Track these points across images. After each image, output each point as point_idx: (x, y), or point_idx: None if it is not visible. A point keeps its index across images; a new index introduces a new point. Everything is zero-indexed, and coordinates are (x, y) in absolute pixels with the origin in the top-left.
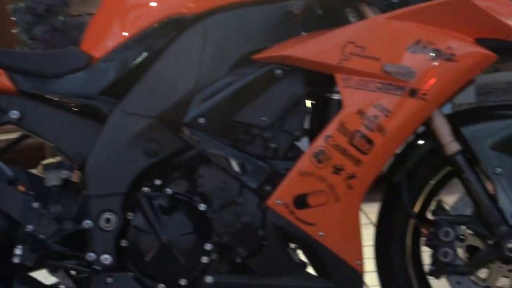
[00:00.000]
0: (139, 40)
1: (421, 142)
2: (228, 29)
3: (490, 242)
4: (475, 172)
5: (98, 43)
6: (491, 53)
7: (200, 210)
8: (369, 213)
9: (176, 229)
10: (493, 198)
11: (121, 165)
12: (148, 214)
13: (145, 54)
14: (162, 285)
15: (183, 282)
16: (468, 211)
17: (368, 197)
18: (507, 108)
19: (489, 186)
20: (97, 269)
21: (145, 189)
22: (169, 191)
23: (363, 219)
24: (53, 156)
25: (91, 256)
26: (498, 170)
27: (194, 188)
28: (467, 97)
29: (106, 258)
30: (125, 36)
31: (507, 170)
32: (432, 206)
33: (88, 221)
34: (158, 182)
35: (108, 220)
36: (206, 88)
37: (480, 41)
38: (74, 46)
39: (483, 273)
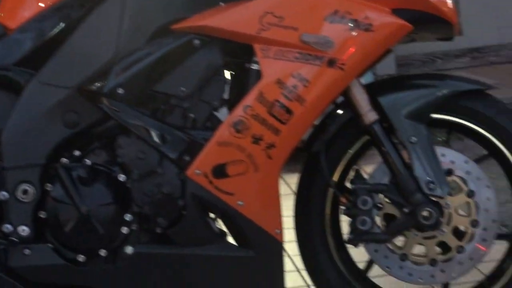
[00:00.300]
0: (56, 10)
1: (340, 112)
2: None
3: (405, 210)
4: (392, 141)
5: (14, 14)
6: (407, 24)
7: (120, 181)
8: (291, 183)
9: (95, 199)
10: (408, 167)
11: (39, 136)
12: (67, 185)
13: (62, 25)
14: (81, 256)
15: (102, 252)
16: (386, 179)
17: (290, 167)
18: (423, 78)
19: (405, 155)
20: (14, 240)
21: (64, 160)
22: (88, 162)
23: (284, 189)
24: None
25: (7, 227)
26: (413, 139)
27: (113, 158)
28: (388, 69)
29: (24, 230)
30: (41, 6)
31: (422, 139)
32: (351, 175)
33: (4, 193)
34: (77, 153)
35: (25, 192)
36: (125, 58)
37: (396, 12)
38: None
39: (399, 241)
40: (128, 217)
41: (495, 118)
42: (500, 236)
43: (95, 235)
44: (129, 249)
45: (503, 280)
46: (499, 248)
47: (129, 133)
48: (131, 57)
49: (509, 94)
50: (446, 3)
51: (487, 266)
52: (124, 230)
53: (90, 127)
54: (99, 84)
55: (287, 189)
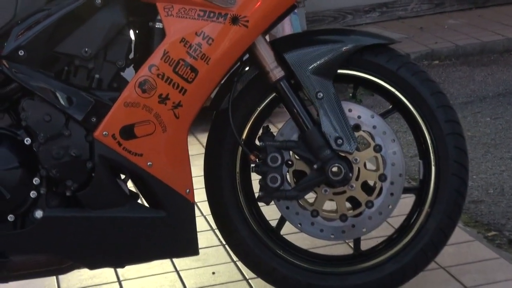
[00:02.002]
0: None
1: (246, 69)
2: None
3: (315, 166)
4: (299, 97)
5: None
6: None
7: (25, 144)
8: (204, 142)
9: (0, 164)
10: (316, 123)
11: None
12: None
13: None
14: None
15: (10, 217)
16: (295, 136)
17: (203, 126)
18: (329, 34)
19: (313, 111)
20: None
21: None
22: None
23: (198, 149)
24: None
25: None
26: (320, 95)
27: (17, 122)
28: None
29: None
30: None
31: (329, 95)
32: (260, 133)
33: None
34: None
35: None
36: (25, 20)
37: None
38: None
39: (310, 197)
40: (36, 180)
41: (397, 72)
42: (407, 190)
43: (1, 200)
44: (38, 213)
45: (412, 232)
46: (407, 202)
47: (33, 96)
48: (31, 18)
49: (415, 48)
50: None
51: (396, 220)
52: (32, 194)
53: None
54: None
55: (201, 148)
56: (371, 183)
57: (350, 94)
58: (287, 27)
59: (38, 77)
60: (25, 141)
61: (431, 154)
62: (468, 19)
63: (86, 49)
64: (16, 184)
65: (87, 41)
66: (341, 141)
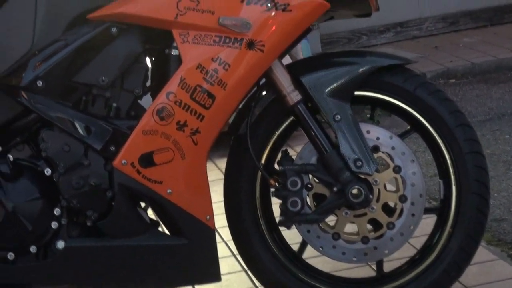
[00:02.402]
0: None
1: (263, 93)
2: None
3: (335, 189)
4: (317, 120)
5: None
6: (324, 2)
7: (45, 175)
8: (223, 168)
9: (21, 195)
10: (335, 146)
11: None
12: None
13: None
14: (11, 253)
15: (32, 249)
16: (314, 159)
17: (221, 152)
18: (344, 56)
19: (331, 134)
20: None
21: None
22: (11, 157)
23: (217, 174)
24: None
25: None
26: (338, 117)
27: (37, 152)
28: (314, 48)
29: None
30: None
31: (346, 117)
32: (279, 157)
33: None
34: None
35: None
36: (43, 50)
37: None
38: None
39: (331, 220)
40: (56, 211)
41: (414, 92)
42: (428, 210)
43: (23, 232)
44: (60, 244)
45: (435, 253)
46: (429, 222)
47: (52, 126)
48: (48, 49)
49: (431, 67)
50: None
51: (419, 240)
52: (54, 224)
53: (11, 122)
54: (17, 78)
55: (219, 174)
56: (391, 204)
57: (368, 116)
58: (300, 52)
59: (57, 107)
60: (45, 172)
61: (451, 174)
62: (483, 36)
63: (103, 78)
64: (37, 215)
65: (104, 70)
66: (360, 163)
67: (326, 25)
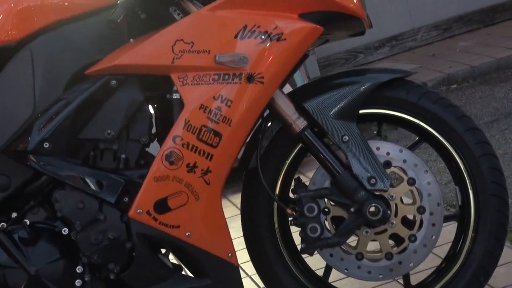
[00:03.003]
0: None
1: (269, 124)
2: (54, 49)
3: (352, 209)
4: (325, 144)
5: None
6: (317, 26)
7: (63, 234)
8: (238, 203)
9: (42, 258)
10: (347, 167)
11: None
12: (10, 249)
13: None
14: None
15: None
16: (327, 183)
17: (234, 188)
18: (344, 76)
19: (342, 155)
20: None
21: (2, 224)
22: (27, 221)
23: (233, 210)
24: None
25: None
26: (346, 138)
27: (53, 213)
28: (312, 72)
29: None
30: None
31: (354, 136)
32: (293, 185)
33: None
34: (14, 214)
35: None
36: (45, 112)
37: (304, 16)
38: None
39: (353, 241)
40: (79, 269)
41: (418, 103)
42: (448, 218)
43: None
44: None
45: (460, 259)
46: (450, 229)
47: (64, 186)
48: (51, 110)
49: (431, 75)
50: None
51: (442, 249)
52: (77, 282)
53: (23, 186)
54: (23, 142)
55: (235, 209)
56: (410, 217)
57: (375, 132)
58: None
59: (66, 166)
60: (62, 232)
61: (466, 179)
62: (478, 38)
63: (109, 131)
64: (60, 276)
65: (109, 123)
66: (374, 180)
67: (322, 48)
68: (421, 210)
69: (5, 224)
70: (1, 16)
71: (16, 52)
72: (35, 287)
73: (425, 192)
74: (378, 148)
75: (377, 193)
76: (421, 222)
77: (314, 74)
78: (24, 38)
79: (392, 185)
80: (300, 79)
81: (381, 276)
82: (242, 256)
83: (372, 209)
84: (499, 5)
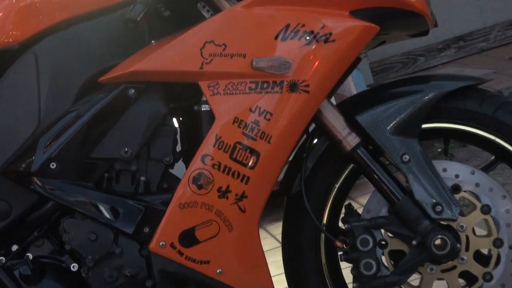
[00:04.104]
0: None
1: (315, 141)
2: (63, 52)
3: (414, 242)
4: (382, 164)
5: None
6: (371, 25)
7: (73, 271)
8: (278, 234)
9: None
10: (407, 191)
11: None
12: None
13: None
14: None
15: None
16: (384, 211)
17: (272, 216)
18: (403, 84)
19: (401, 178)
20: None
21: (0, 258)
22: (30, 255)
23: (272, 243)
24: None
25: None
26: (406, 157)
27: (60, 246)
28: (364, 79)
29: None
30: None
31: (416, 155)
32: (343, 213)
33: None
34: (15, 247)
35: None
36: (51, 127)
37: (357, 13)
38: None
39: (415, 279)
40: None
41: (494, 116)
42: None
43: None
44: None
45: None
46: None
47: (74, 213)
48: (58, 124)
49: (507, 82)
50: None
51: None
52: None
53: (25, 214)
54: (27, 162)
55: (274, 242)
56: (485, 251)
57: (440, 150)
58: (351, 86)
59: (76, 191)
60: (71, 268)
61: None
62: None
63: (126, 150)
64: None
65: (126, 140)
66: (440, 207)
67: (375, 51)
68: (498, 243)
69: (4, 258)
70: (1, 14)
71: (19, 56)
72: None
73: (503, 222)
74: (445, 170)
75: (444, 222)
76: (498, 257)
77: (367, 81)
78: (28, 39)
79: (462, 214)
80: (361, 84)
81: None
82: None
83: (438, 241)
84: None
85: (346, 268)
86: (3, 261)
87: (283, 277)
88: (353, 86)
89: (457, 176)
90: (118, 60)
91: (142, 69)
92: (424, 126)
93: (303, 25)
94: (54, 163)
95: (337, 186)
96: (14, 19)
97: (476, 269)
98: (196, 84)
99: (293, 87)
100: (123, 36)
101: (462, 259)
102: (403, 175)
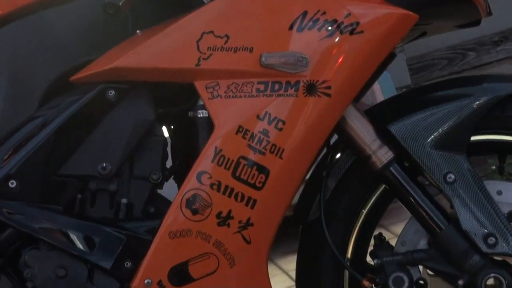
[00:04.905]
0: None
1: (337, 156)
2: (25, 44)
3: (461, 282)
4: (420, 185)
5: None
6: (409, 12)
7: None
8: (291, 270)
9: None
10: (452, 219)
11: None
12: None
13: None
14: None
15: None
16: (423, 243)
17: (285, 248)
18: (447, 87)
19: (444, 202)
20: None
21: None
22: None
23: (285, 281)
24: None
25: None
26: (451, 176)
27: (21, 284)
28: (400, 79)
29: None
30: None
31: (464, 174)
32: (372, 245)
33: None
34: None
35: None
36: (11, 136)
37: None
38: None
39: None
40: None
41: None
42: None
43: None
44: None
45: None
46: None
47: (38, 243)
48: (18, 133)
49: None
50: None
51: None
52: None
53: None
54: None
55: (287, 279)
56: None
57: (493, 167)
58: (377, 91)
59: (41, 215)
60: None
61: None
62: None
63: (104, 165)
64: None
65: (104, 154)
66: (493, 239)
67: (415, 44)
68: None
69: None
70: None
71: None
72: None
73: None
74: (499, 192)
75: (498, 258)
76: None
77: (404, 82)
78: None
79: None
80: (390, 88)
81: None
82: None
83: (491, 281)
84: None
85: None
86: None
87: None
88: (379, 92)
89: None
90: (94, 55)
91: (124, 65)
92: (473, 138)
93: (324, 13)
94: (13, 181)
95: (364, 212)
96: None
97: None
98: (191, 84)
99: (311, 89)
100: (101, 25)
101: None
102: (447, 199)
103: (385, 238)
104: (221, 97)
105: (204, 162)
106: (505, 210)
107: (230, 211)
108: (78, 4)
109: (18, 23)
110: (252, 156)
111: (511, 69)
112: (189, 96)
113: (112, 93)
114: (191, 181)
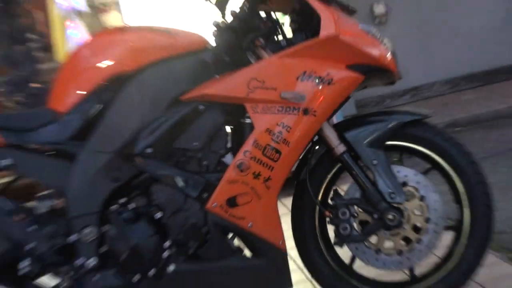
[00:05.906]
0: (94, 95)
1: (317, 147)
2: (158, 79)
3: (375, 216)
4: (359, 165)
5: (61, 101)
6: (359, 75)
7: (157, 218)
8: (288, 204)
9: (141, 234)
10: (373, 183)
11: (94, 191)
12: (118, 225)
13: (99, 106)
14: (137, 275)
15: (151, 272)
16: (358, 194)
17: (287, 192)
18: (376, 115)
19: (370, 175)
20: (85, 270)
21: (114, 206)
22: (132, 206)
23: (284, 210)
24: (44, 190)
25: (79, 261)
26: (375, 162)
27: (150, 202)
28: (350, 110)
29: (91, 262)
30: (82, 93)
31: (381, 161)
32: (331, 194)
33: (73, 236)
34: (123, 200)
35: (88, 233)
36: (149, 125)
37: (350, 67)
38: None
39: (373, 239)
40: (166, 244)
41: (433, 139)
42: (447, 228)
43: (144, 260)
44: (170, 268)
45: (454, 260)
46: (448, 237)
47: (160, 182)
48: (153, 124)
49: (442, 119)
50: (387, 57)
51: (441, 252)
52: (165, 254)
53: (130, 180)
54: (132, 147)
55: (285, 209)
56: (419, 225)
57: (395, 159)
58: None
59: (162, 168)
60: (156, 216)
61: (465, 200)
62: (481, 93)
63: (195, 143)
64: (153, 248)
65: (196, 137)
66: (393, 195)
67: (358, 93)
68: (427, 220)
69: (116, 207)
70: (121, 50)
71: (130, 79)
72: (134, 254)
73: (432, 207)
74: (398, 171)
75: (395, 205)
76: (427, 229)
77: (352, 111)
78: (137, 69)
79: (406, 200)
80: (339, 115)
81: (392, 267)
82: (288, 244)
83: (390, 216)
84: (500, 68)
85: (331, 229)
86: (116, 208)
87: (290, 232)
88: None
89: (405, 176)
90: (194, 86)
91: (209, 93)
92: (387, 143)
93: (315, 72)
94: (150, 149)
95: (329, 177)
96: (130, 54)
97: (413, 236)
98: (243, 105)
99: (306, 112)
100: (197, 71)
101: (404, 228)
102: (372, 173)
103: (338, 191)
104: (259, 113)
105: (248, 145)
106: (400, 181)
107: (260, 172)
108: (188, 59)
109: (158, 66)
110: (273, 144)
111: (408, 109)
112: (242, 111)
113: (202, 107)
114: (240, 155)
